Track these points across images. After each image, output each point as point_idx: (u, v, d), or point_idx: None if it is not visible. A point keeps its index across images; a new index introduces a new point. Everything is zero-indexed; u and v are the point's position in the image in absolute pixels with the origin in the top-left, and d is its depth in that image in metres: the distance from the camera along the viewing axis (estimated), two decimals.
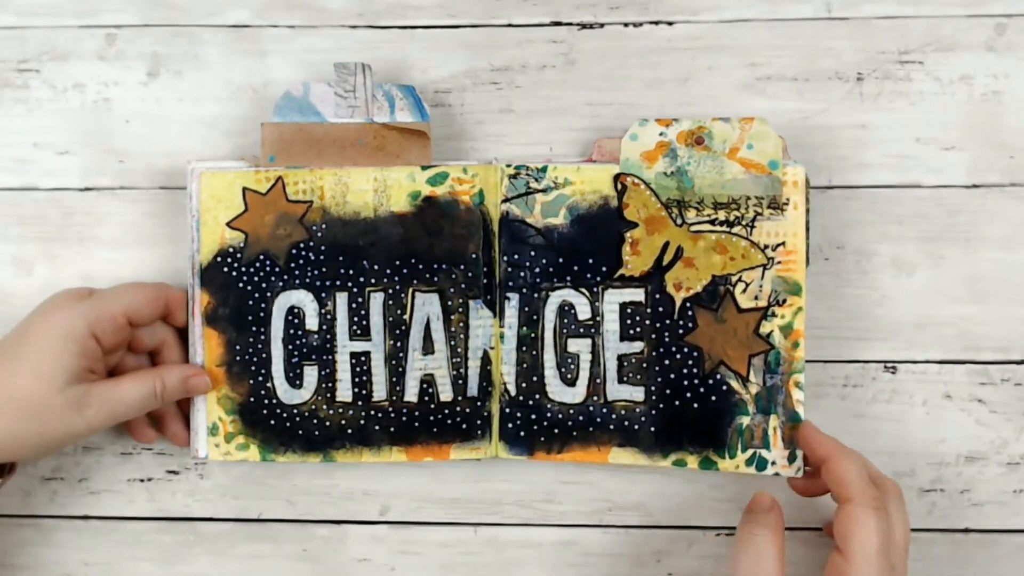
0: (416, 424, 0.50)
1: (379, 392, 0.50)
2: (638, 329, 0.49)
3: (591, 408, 0.49)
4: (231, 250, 0.50)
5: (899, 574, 0.42)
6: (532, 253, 0.49)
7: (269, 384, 0.50)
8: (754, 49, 0.52)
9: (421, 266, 0.50)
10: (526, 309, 0.49)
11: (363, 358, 0.50)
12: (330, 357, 0.50)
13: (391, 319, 0.50)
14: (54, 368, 0.45)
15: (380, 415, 0.50)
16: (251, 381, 0.50)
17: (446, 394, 0.50)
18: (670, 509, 0.52)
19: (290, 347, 0.50)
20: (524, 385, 0.49)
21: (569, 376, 0.49)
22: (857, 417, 0.52)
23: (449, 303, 0.50)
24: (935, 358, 0.51)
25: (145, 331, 0.49)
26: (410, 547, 0.52)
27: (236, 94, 0.53)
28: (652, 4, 0.52)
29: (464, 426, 0.50)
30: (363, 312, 0.50)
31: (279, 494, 0.53)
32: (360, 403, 0.50)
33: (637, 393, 0.49)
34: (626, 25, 0.52)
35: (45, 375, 0.44)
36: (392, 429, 0.50)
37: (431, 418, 0.50)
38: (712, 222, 0.48)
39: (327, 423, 0.50)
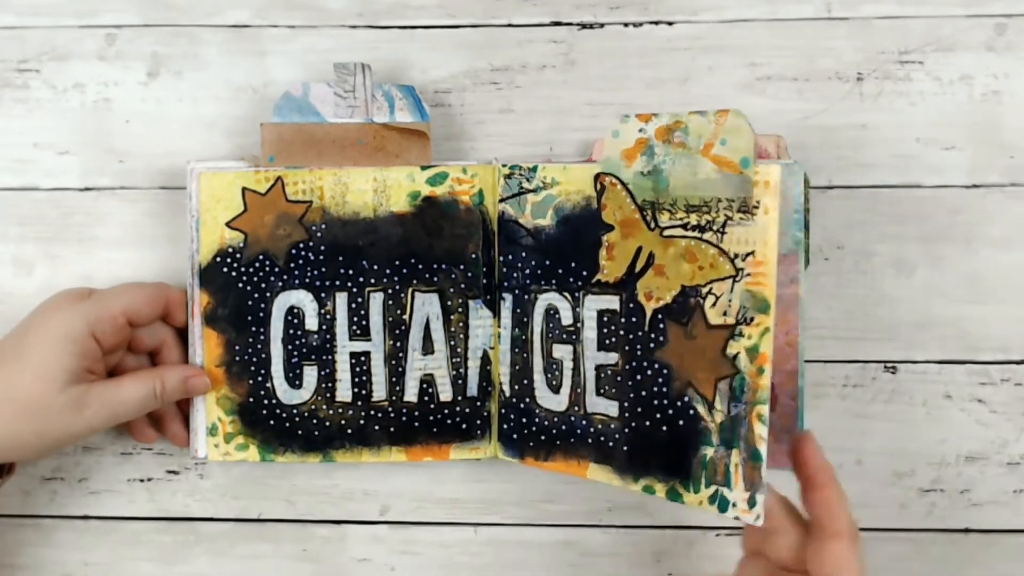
0: (416, 424, 0.50)
1: (379, 392, 0.50)
2: (613, 340, 0.46)
3: (572, 418, 0.48)
4: (231, 250, 0.50)
5: None
6: (523, 254, 0.49)
7: (269, 384, 0.50)
8: (754, 49, 0.52)
9: (421, 266, 0.50)
10: (518, 311, 0.49)
11: (363, 358, 0.50)
12: (330, 357, 0.50)
13: (391, 319, 0.50)
14: (54, 368, 0.45)
15: (380, 415, 0.50)
16: (251, 381, 0.50)
17: (446, 394, 0.50)
18: (670, 509, 0.52)
19: (290, 347, 0.50)
20: (516, 387, 0.49)
21: (554, 383, 0.48)
22: (857, 417, 0.51)
23: (449, 303, 0.50)
24: (935, 358, 0.51)
25: (145, 331, 0.49)
26: (410, 547, 0.52)
27: (236, 94, 0.53)
28: (652, 4, 0.52)
29: (464, 426, 0.50)
30: (363, 312, 0.50)
31: (279, 494, 0.53)
32: (360, 403, 0.50)
33: (612, 408, 0.47)
34: (626, 25, 0.52)
35: (45, 375, 0.44)
36: (392, 429, 0.50)
37: (431, 418, 0.50)
38: (684, 226, 0.44)
39: (327, 423, 0.50)
